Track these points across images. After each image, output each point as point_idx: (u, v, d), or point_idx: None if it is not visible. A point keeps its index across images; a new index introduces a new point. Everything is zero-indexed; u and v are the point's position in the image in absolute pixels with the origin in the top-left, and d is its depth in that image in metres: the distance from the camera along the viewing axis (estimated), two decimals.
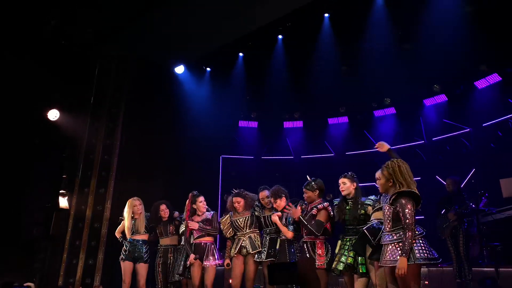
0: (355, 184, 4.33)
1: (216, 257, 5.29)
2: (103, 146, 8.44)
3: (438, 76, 8.83)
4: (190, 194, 5.44)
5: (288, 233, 4.64)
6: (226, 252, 5.33)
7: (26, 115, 7.66)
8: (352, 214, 4.24)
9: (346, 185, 4.33)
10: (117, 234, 6.00)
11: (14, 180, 7.44)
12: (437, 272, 6.54)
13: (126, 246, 5.79)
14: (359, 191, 4.32)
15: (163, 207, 5.81)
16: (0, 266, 6.86)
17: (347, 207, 4.29)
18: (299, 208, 4.47)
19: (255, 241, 5.08)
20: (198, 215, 5.38)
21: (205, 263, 5.21)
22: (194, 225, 5.28)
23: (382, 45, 8.51)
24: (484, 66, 8.28)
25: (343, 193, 4.35)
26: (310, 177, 4.55)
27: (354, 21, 8.30)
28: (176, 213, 5.82)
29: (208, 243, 5.33)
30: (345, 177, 4.37)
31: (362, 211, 4.22)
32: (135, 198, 5.95)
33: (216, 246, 5.51)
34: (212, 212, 5.43)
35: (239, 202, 5.14)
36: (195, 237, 5.33)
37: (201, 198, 5.41)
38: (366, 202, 4.26)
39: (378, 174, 3.91)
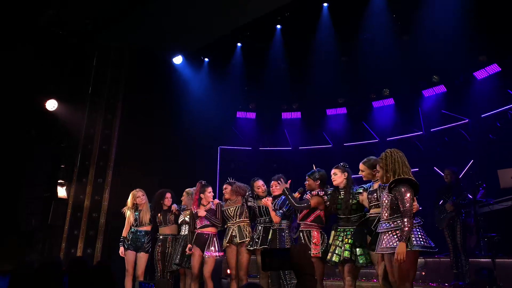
0: (346, 174, 4.38)
1: (217, 248, 5.29)
2: (101, 136, 8.44)
3: (437, 67, 8.77)
4: (199, 184, 5.43)
5: (275, 217, 4.81)
6: None
7: (24, 105, 7.65)
8: (344, 204, 4.29)
9: (337, 176, 4.39)
10: (125, 233, 5.92)
11: (13, 170, 7.45)
12: (434, 262, 6.58)
13: (129, 236, 5.84)
14: (350, 181, 4.37)
15: (168, 195, 5.86)
16: None
17: (340, 197, 4.34)
18: (288, 182, 4.62)
19: (244, 230, 5.14)
20: (203, 205, 5.37)
21: (205, 254, 5.22)
22: (201, 212, 5.26)
23: (381, 35, 8.46)
24: (483, 56, 8.22)
25: (334, 183, 4.43)
26: (316, 167, 4.64)
27: (353, 11, 8.25)
28: (174, 206, 5.82)
29: (210, 234, 5.34)
30: (336, 168, 4.44)
31: (354, 201, 4.27)
32: (137, 189, 5.99)
33: (218, 237, 5.49)
34: (214, 202, 5.42)
35: (225, 189, 5.30)
36: (198, 227, 5.33)
37: (210, 189, 5.43)
38: (358, 191, 4.29)
39: (361, 166, 4.19)
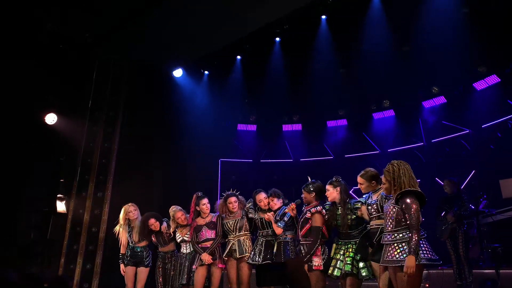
0: (338, 188, 4.28)
1: (222, 260, 5.19)
2: (101, 149, 8.42)
3: (436, 78, 8.81)
4: (195, 195, 5.36)
5: (278, 229, 4.70)
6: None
7: (23, 119, 7.64)
8: (342, 220, 4.21)
9: (329, 192, 4.32)
10: (123, 250, 5.82)
11: (11, 184, 7.41)
12: (437, 274, 6.49)
13: (127, 253, 5.77)
14: (344, 195, 4.26)
15: (151, 221, 5.62)
16: None
17: (338, 212, 4.26)
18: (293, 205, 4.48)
19: (244, 245, 5.05)
20: (202, 218, 5.29)
21: (212, 266, 5.13)
22: (207, 259, 5.11)
23: (380, 47, 8.48)
24: (482, 67, 8.26)
25: (329, 200, 4.36)
26: (311, 179, 4.58)
27: (351, 24, 8.29)
28: (164, 226, 5.65)
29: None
30: (329, 184, 4.36)
31: (353, 216, 4.19)
32: (130, 204, 5.86)
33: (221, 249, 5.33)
34: (216, 214, 5.32)
35: (235, 202, 5.15)
36: (200, 240, 5.22)
37: (205, 200, 5.31)
38: (356, 206, 4.21)
39: (359, 179, 4.12)
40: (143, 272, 5.73)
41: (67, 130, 8.08)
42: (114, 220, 7.42)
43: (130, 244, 5.79)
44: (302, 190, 4.51)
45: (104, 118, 8.59)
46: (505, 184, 6.49)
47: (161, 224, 5.65)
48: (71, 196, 8.02)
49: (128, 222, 5.82)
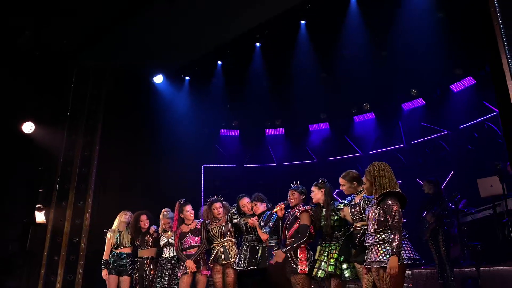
0: (323, 190, 4.34)
1: (207, 267, 5.14)
2: (81, 158, 8.29)
3: (415, 81, 8.98)
4: (178, 203, 5.29)
5: (263, 235, 4.70)
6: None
7: (0, 128, 7.47)
8: (325, 221, 4.27)
9: (314, 193, 4.38)
10: (106, 255, 5.77)
11: None
12: (420, 274, 6.57)
13: (110, 260, 5.70)
14: (328, 197, 4.33)
15: (143, 217, 5.66)
16: None
17: (322, 214, 4.31)
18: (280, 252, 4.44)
19: (229, 251, 5.03)
20: (186, 224, 5.24)
21: (197, 273, 5.08)
22: (192, 267, 5.04)
23: (360, 51, 8.61)
24: (459, 70, 8.46)
25: (313, 201, 4.41)
26: (296, 183, 4.63)
27: (330, 29, 8.39)
28: (153, 227, 5.66)
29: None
30: (314, 185, 4.42)
31: (336, 217, 4.25)
32: (125, 210, 5.92)
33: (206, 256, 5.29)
34: (201, 221, 5.28)
35: (220, 207, 5.14)
36: (185, 247, 5.16)
37: (188, 207, 5.26)
38: (339, 206, 4.28)
39: (341, 180, 4.18)
40: (126, 281, 5.64)
41: (46, 139, 7.93)
42: (95, 230, 7.32)
43: (114, 250, 5.72)
44: (294, 191, 4.52)
45: (84, 126, 8.46)
46: (483, 183, 6.61)
47: (150, 225, 5.65)
48: (51, 205, 7.86)
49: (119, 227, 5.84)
